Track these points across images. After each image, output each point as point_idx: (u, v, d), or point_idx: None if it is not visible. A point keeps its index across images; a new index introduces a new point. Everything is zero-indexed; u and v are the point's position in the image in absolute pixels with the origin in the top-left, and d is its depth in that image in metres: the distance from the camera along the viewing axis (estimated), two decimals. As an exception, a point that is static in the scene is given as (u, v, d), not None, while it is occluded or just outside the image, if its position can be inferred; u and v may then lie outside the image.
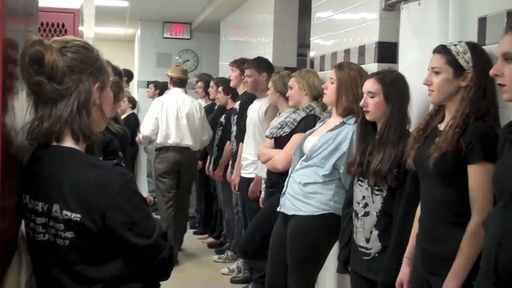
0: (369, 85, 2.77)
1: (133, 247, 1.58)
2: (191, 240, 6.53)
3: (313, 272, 3.34)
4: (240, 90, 5.26)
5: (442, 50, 2.28)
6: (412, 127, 2.74)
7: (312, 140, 3.30)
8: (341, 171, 3.16)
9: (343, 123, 3.21)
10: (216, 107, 6.27)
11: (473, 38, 2.46)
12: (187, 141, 5.60)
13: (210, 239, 6.46)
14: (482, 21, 2.46)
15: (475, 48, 2.26)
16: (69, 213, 1.53)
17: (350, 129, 3.16)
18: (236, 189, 4.95)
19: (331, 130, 3.23)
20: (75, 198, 1.53)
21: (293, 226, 3.30)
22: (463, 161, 2.13)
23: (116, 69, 3.41)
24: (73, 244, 1.55)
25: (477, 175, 2.10)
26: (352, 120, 3.17)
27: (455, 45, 2.27)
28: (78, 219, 1.53)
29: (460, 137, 2.13)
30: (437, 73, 2.26)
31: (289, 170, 3.44)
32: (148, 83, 8.37)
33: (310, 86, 3.75)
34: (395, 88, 2.73)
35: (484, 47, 2.37)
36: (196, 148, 5.80)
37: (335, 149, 3.17)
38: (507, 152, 1.84)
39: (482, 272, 1.87)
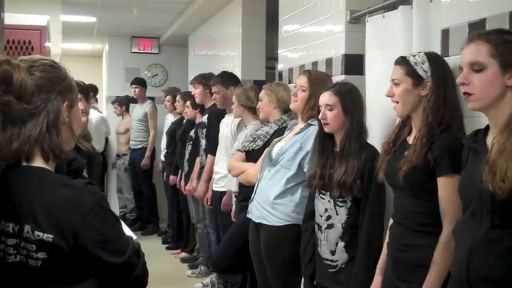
0: (326, 98, 2.81)
1: (106, 265, 1.57)
2: (164, 255, 6.50)
3: (295, 280, 3.35)
4: (207, 105, 5.28)
5: (402, 61, 2.33)
6: (375, 137, 2.79)
7: (279, 145, 3.33)
8: (306, 170, 3.19)
9: (308, 125, 3.25)
10: (184, 121, 6.27)
11: (437, 50, 2.51)
12: None
13: (183, 254, 6.43)
14: (445, 33, 2.52)
15: (434, 58, 2.31)
16: (41, 234, 1.52)
17: (314, 129, 3.19)
18: (209, 203, 4.95)
19: (297, 134, 3.27)
20: (47, 219, 1.52)
21: (264, 239, 3.32)
22: (432, 173, 2.17)
23: (80, 85, 3.39)
24: (46, 265, 1.54)
25: (446, 187, 2.14)
26: (316, 121, 3.21)
27: (414, 55, 2.33)
28: (51, 239, 1.52)
29: (428, 150, 2.17)
30: (397, 84, 2.31)
31: (258, 177, 3.47)
32: (112, 102, 8.34)
33: (279, 100, 3.77)
34: (351, 99, 2.79)
35: (447, 58, 2.43)
36: None
37: (299, 148, 3.21)
38: (471, 161, 1.89)
39: (453, 280, 1.90)
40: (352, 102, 2.78)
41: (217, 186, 4.76)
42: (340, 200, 2.71)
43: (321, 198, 2.81)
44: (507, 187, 1.67)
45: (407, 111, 2.33)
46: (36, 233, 1.52)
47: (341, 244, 2.73)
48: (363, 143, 2.73)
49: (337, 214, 2.73)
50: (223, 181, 4.65)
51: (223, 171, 4.61)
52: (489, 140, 1.84)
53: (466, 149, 1.97)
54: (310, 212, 2.92)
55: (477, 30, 2.24)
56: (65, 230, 1.52)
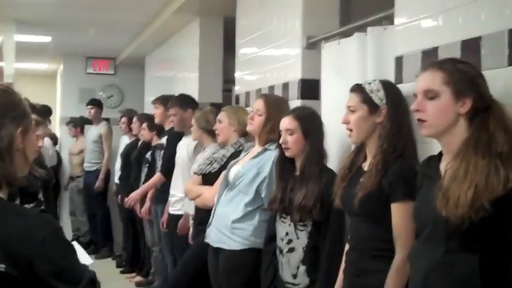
0: (287, 123, 2.83)
1: None
2: (119, 279, 6.38)
3: None
4: (166, 127, 5.25)
5: (357, 88, 2.37)
6: (330, 162, 2.82)
7: (236, 168, 3.33)
8: (263, 195, 3.20)
9: (265, 149, 3.26)
10: (139, 143, 6.22)
11: (391, 76, 2.57)
12: None
13: (138, 278, 6.32)
14: (399, 60, 2.58)
15: (389, 86, 2.36)
16: None
17: (271, 154, 3.21)
18: (164, 226, 4.91)
19: (254, 157, 3.28)
20: (0, 248, 1.49)
21: (222, 263, 3.30)
22: (386, 199, 2.20)
23: (35, 108, 3.34)
24: (-2, 295, 1.50)
25: (400, 213, 2.17)
26: (273, 146, 3.23)
27: (369, 83, 2.37)
28: (3, 269, 1.48)
29: (383, 176, 2.21)
30: (353, 111, 2.35)
31: (215, 201, 3.46)
32: (67, 123, 8.23)
33: (240, 123, 3.75)
34: (312, 124, 2.82)
35: (401, 84, 2.48)
36: None
37: (257, 174, 3.21)
38: (425, 187, 1.92)
39: (409, 305, 1.94)
40: (312, 126, 2.80)
41: (173, 210, 4.72)
42: (301, 223, 2.72)
43: (282, 222, 2.82)
44: (460, 213, 1.71)
45: (361, 139, 2.36)
46: None
47: (302, 268, 2.73)
48: (322, 167, 2.75)
49: (298, 238, 2.74)
50: (180, 204, 4.62)
51: (179, 194, 4.58)
52: (442, 166, 1.88)
53: (420, 175, 2.01)
54: (271, 234, 2.93)
55: (430, 57, 2.31)
56: (19, 260, 1.49)
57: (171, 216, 4.75)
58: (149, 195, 5.25)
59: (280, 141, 2.82)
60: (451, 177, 1.77)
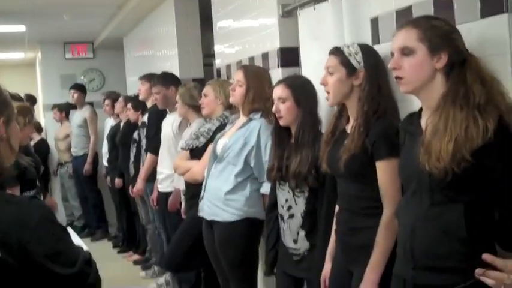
0: (279, 91, 2.85)
1: (58, 278, 1.57)
2: (116, 259, 6.43)
3: (251, 275, 3.40)
4: (149, 104, 5.26)
5: (336, 51, 2.40)
6: (323, 128, 2.85)
7: (223, 141, 3.36)
8: (252, 165, 3.24)
9: (249, 119, 3.29)
10: (122, 124, 6.21)
11: (368, 38, 2.60)
12: None
13: (135, 256, 6.38)
14: (375, 22, 2.60)
15: (366, 49, 2.39)
16: None
17: (256, 123, 3.24)
18: (155, 203, 4.94)
19: (240, 128, 3.31)
20: None
21: (217, 235, 3.35)
22: (370, 159, 2.24)
23: (16, 97, 3.34)
24: (-6, 282, 1.53)
25: (385, 171, 2.22)
26: (258, 115, 3.26)
27: (348, 46, 2.39)
28: None
29: (365, 137, 2.24)
30: (331, 73, 2.38)
31: (204, 174, 3.49)
32: (53, 107, 8.19)
33: (226, 96, 3.76)
34: (304, 92, 2.83)
35: (378, 45, 2.51)
36: None
37: (244, 144, 3.25)
38: (408, 143, 1.97)
39: (399, 259, 1.98)
40: (304, 93, 2.81)
41: (161, 187, 4.76)
42: (298, 190, 2.76)
43: (281, 189, 2.86)
44: (442, 166, 1.75)
45: (338, 100, 2.39)
46: None
47: (302, 233, 2.78)
48: (316, 134, 2.76)
49: (296, 204, 2.79)
50: (168, 181, 4.65)
51: (167, 170, 4.62)
52: (423, 121, 1.92)
53: (402, 132, 2.05)
54: (273, 202, 2.97)
55: (405, 17, 2.33)
56: (13, 246, 1.51)
57: (160, 194, 4.78)
58: (141, 175, 5.27)
59: (273, 109, 2.85)
60: (431, 132, 1.82)
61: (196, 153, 3.86)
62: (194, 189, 3.83)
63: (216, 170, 3.35)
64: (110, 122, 6.92)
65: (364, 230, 2.29)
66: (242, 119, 3.36)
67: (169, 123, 4.69)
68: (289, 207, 2.82)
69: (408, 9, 2.35)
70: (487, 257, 1.62)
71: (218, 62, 4.68)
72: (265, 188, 3.21)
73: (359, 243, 2.31)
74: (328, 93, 2.39)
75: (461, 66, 1.85)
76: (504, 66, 1.90)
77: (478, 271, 1.61)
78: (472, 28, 2.01)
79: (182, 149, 4.02)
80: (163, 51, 6.43)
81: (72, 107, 7.83)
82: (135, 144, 5.58)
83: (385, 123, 2.24)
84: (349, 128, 2.37)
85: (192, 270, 4.51)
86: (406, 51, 1.90)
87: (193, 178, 3.81)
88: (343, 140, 2.34)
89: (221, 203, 3.30)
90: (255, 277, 3.44)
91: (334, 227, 2.52)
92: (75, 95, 7.55)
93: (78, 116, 7.59)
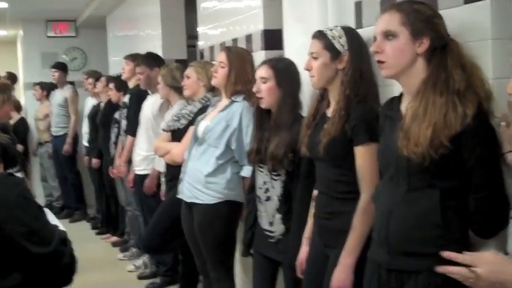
0: (262, 71, 2.84)
1: (34, 256, 1.55)
2: (94, 241, 6.41)
3: (228, 258, 3.40)
4: (131, 85, 5.22)
5: (319, 35, 2.37)
6: (304, 112, 2.84)
7: (204, 123, 3.34)
8: (233, 148, 3.22)
9: (232, 101, 3.27)
10: (102, 104, 6.16)
11: (351, 22, 2.58)
12: None
13: (114, 238, 6.37)
14: (358, 5, 2.58)
15: (350, 32, 2.37)
16: None
17: (238, 106, 3.23)
18: (130, 185, 4.91)
19: (222, 111, 3.29)
20: None
21: (197, 218, 3.34)
22: (350, 143, 2.24)
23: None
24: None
25: (363, 155, 2.21)
26: (240, 97, 3.24)
27: (331, 29, 2.37)
28: None
29: (346, 121, 2.24)
30: (315, 58, 2.36)
31: (184, 156, 3.47)
32: (35, 84, 8.09)
33: (209, 78, 3.73)
34: (286, 74, 2.81)
35: (361, 29, 2.49)
36: None
37: (226, 126, 3.23)
38: (388, 128, 1.96)
39: (374, 243, 1.99)
40: (286, 76, 2.80)
41: (138, 169, 4.72)
42: (275, 173, 2.76)
43: (260, 171, 2.86)
44: (420, 151, 1.75)
45: (322, 84, 2.38)
46: None
47: (278, 216, 2.78)
48: (296, 117, 2.75)
49: (273, 187, 2.78)
50: (144, 163, 4.62)
51: (144, 152, 4.59)
52: (403, 106, 1.92)
53: (382, 117, 2.05)
54: (253, 183, 2.97)
55: (388, 1, 2.31)
56: None
57: (136, 176, 4.75)
58: (119, 155, 5.23)
59: (254, 89, 2.83)
60: (411, 117, 1.81)
61: (177, 135, 3.84)
62: (174, 171, 3.81)
63: (197, 152, 3.34)
64: (90, 102, 6.85)
65: (342, 214, 2.29)
66: (224, 101, 3.34)
67: (149, 105, 4.65)
68: (267, 190, 2.81)
69: (392, -6, 2.33)
70: (445, 254, 1.62)
71: (201, 44, 4.64)
72: (246, 171, 3.20)
73: (337, 228, 2.31)
74: (313, 77, 2.37)
75: (442, 52, 1.85)
76: (485, 53, 1.89)
77: (439, 269, 1.62)
78: (454, 14, 2.00)
79: (163, 130, 4.00)
80: (147, 31, 6.37)
81: (55, 86, 7.74)
82: (116, 125, 5.54)
83: (365, 107, 2.24)
84: (329, 112, 2.36)
85: (169, 252, 4.51)
86: (388, 35, 1.89)
87: (173, 160, 3.79)
88: (323, 124, 2.33)
89: (201, 185, 3.28)
90: (232, 259, 3.44)
91: (312, 210, 2.51)
92: (56, 74, 7.46)
93: (59, 95, 7.52)
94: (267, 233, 2.84)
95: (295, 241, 2.64)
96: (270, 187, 2.80)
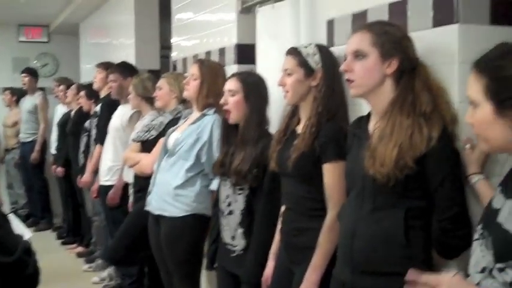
0: (231, 84, 2.84)
1: None
2: (59, 251, 6.31)
3: (195, 271, 3.37)
4: (103, 94, 5.17)
5: (294, 51, 2.38)
6: (272, 128, 2.85)
7: (175, 135, 3.33)
8: (203, 161, 3.22)
9: (203, 115, 3.26)
10: (72, 112, 6.10)
11: (323, 40, 2.60)
12: None
13: (79, 248, 6.27)
14: (331, 24, 2.61)
15: (324, 50, 2.39)
16: None
17: (210, 119, 3.22)
18: (94, 195, 4.85)
19: (193, 123, 3.28)
20: None
21: (164, 230, 3.31)
22: (318, 160, 2.25)
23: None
24: None
25: (331, 173, 2.22)
26: (212, 111, 3.23)
27: (305, 47, 2.39)
28: None
29: (315, 138, 2.25)
30: (289, 74, 2.37)
31: (152, 168, 3.45)
32: (5, 89, 7.98)
33: (181, 90, 3.71)
34: (255, 89, 2.81)
35: (333, 47, 2.52)
36: None
37: (196, 139, 3.22)
38: (355, 147, 1.98)
39: (339, 261, 2.00)
40: (255, 91, 2.80)
41: (103, 180, 4.66)
42: (239, 187, 2.76)
43: (223, 185, 2.85)
44: (386, 171, 1.77)
45: (295, 100, 2.39)
46: None
47: (240, 230, 2.77)
48: (262, 133, 2.75)
49: (236, 201, 2.78)
50: (109, 174, 4.57)
51: (110, 163, 4.54)
52: (371, 126, 1.94)
53: (351, 135, 2.07)
54: (218, 197, 2.96)
55: (360, 20, 2.35)
56: None
57: (101, 187, 4.69)
58: (89, 167, 5.17)
59: (221, 101, 2.83)
60: (378, 137, 1.83)
61: (147, 145, 3.82)
62: (142, 183, 3.78)
63: (167, 164, 3.32)
64: (61, 109, 6.77)
65: (309, 231, 2.29)
66: (195, 114, 3.33)
67: (119, 115, 4.60)
68: (229, 204, 2.81)
69: (363, 13, 2.36)
70: (408, 274, 1.63)
71: (174, 55, 4.64)
72: (215, 185, 3.19)
73: (303, 244, 2.31)
74: (287, 92, 2.38)
75: (410, 74, 1.88)
76: (452, 76, 1.93)
77: None
78: (424, 36, 2.03)
79: (133, 140, 3.97)
80: (120, 39, 6.34)
81: (26, 93, 7.62)
82: (86, 134, 5.48)
83: (334, 126, 2.25)
84: (299, 129, 2.37)
85: (135, 265, 4.46)
86: (358, 55, 1.91)
87: (142, 171, 3.77)
88: (293, 140, 2.34)
89: (170, 197, 3.26)
90: (199, 273, 3.42)
91: (279, 226, 2.52)
92: (26, 79, 7.36)
93: (28, 101, 7.41)
94: (229, 247, 2.83)
95: (255, 257, 2.64)
96: (232, 201, 2.80)
